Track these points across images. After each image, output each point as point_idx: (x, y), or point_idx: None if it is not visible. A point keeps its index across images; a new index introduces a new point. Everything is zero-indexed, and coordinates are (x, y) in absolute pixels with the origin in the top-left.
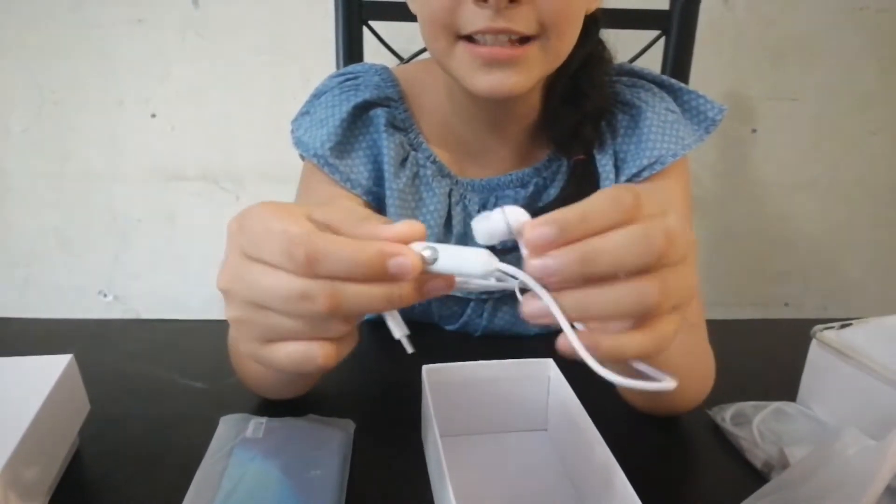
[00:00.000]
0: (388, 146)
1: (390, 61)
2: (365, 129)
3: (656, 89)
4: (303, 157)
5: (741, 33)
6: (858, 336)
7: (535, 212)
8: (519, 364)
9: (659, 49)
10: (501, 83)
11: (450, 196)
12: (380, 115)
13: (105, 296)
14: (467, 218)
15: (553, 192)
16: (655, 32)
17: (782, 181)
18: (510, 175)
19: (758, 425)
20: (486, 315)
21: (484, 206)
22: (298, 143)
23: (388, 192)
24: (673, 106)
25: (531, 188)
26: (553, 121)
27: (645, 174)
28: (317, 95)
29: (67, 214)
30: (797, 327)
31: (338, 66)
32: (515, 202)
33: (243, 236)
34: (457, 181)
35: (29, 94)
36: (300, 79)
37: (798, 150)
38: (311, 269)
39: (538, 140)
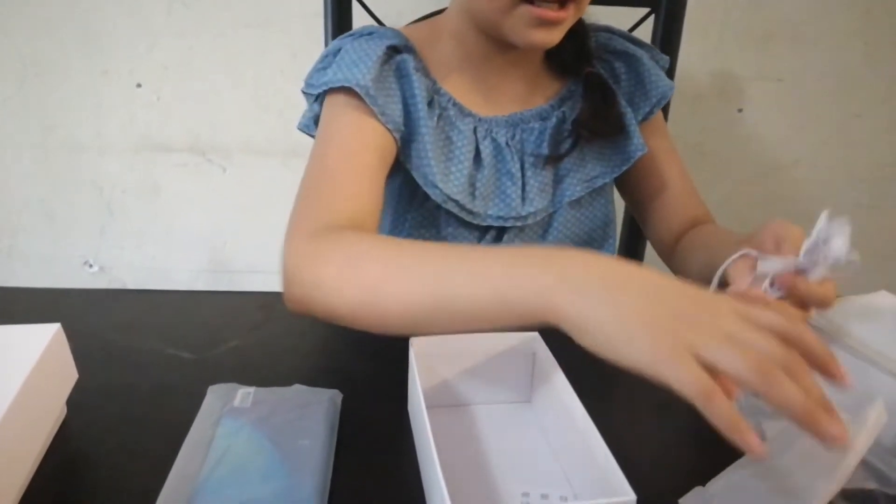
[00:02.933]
0: (419, 86)
1: None
2: (395, 73)
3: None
4: (312, 107)
5: (729, 13)
6: (838, 314)
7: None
8: (505, 337)
9: (648, 27)
10: (547, 38)
11: (475, 133)
12: (407, 59)
13: (90, 266)
14: (496, 150)
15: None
16: (645, 10)
17: (767, 161)
18: (532, 110)
19: (737, 399)
20: (503, 244)
21: (512, 139)
22: (333, 80)
23: (423, 130)
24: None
25: (553, 120)
26: (558, 50)
27: (655, 111)
28: (332, 52)
29: (52, 185)
30: None
31: (326, 38)
32: (540, 133)
33: (743, 311)
34: (479, 119)
35: (10, 63)
36: (287, 51)
37: (783, 130)
38: (789, 338)
39: (543, 79)
